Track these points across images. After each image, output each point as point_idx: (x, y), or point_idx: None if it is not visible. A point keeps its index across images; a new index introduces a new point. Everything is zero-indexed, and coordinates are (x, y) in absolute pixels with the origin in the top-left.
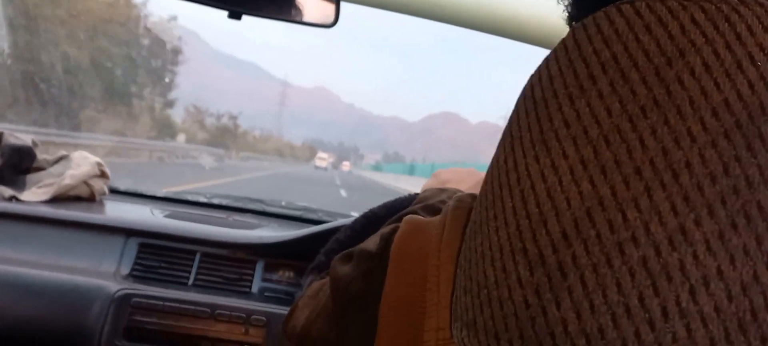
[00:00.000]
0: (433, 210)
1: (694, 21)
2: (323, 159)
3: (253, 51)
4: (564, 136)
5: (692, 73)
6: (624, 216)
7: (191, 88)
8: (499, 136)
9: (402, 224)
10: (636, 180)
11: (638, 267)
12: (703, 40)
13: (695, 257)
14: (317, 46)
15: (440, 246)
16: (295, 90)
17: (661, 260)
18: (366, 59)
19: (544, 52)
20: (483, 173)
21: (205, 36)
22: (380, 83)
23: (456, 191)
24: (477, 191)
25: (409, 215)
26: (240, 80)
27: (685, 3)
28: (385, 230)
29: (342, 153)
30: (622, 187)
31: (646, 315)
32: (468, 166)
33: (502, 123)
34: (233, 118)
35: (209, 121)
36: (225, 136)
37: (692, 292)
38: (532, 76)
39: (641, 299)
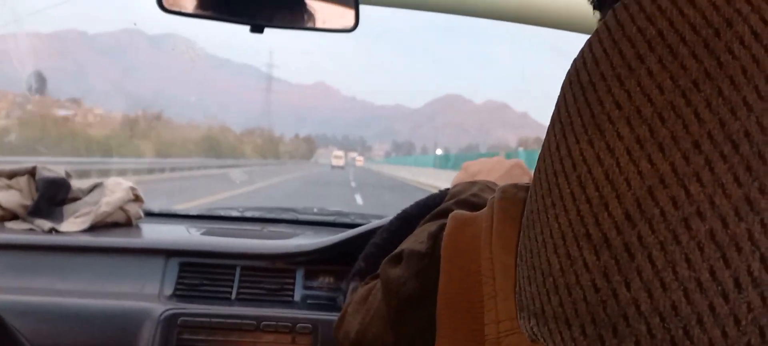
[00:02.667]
0: (467, 204)
1: None
2: (339, 157)
3: (250, 54)
4: (617, 118)
5: (741, 42)
6: (687, 191)
7: (187, 95)
8: (506, 114)
9: (449, 221)
10: (696, 154)
11: (706, 241)
12: (749, 7)
13: (763, 225)
14: (315, 44)
15: (491, 238)
16: (295, 88)
17: (728, 231)
18: (363, 51)
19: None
20: (510, 161)
21: (200, 43)
22: (379, 74)
23: (486, 182)
24: (507, 179)
25: (454, 211)
26: (237, 84)
27: None
28: (431, 228)
29: (346, 146)
30: (682, 162)
31: (719, 288)
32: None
33: (508, 100)
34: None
35: None
36: None
37: (763, 260)
38: (576, 60)
39: (712, 273)
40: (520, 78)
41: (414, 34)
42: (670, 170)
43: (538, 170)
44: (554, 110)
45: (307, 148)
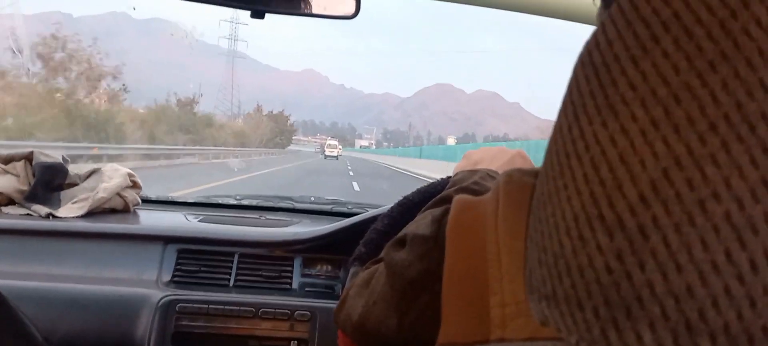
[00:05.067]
0: (468, 192)
1: None
2: (333, 147)
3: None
4: (631, 99)
5: (758, 23)
6: (703, 173)
7: (171, 79)
8: (497, 104)
9: (453, 204)
10: (712, 136)
11: (722, 223)
12: None
13: None
14: (304, 31)
15: (496, 222)
16: (283, 75)
17: (745, 213)
18: (353, 39)
19: (529, 17)
20: (513, 151)
21: (186, 27)
22: (369, 62)
23: (488, 171)
24: (509, 168)
25: (459, 196)
26: (225, 69)
27: None
28: (435, 212)
29: (335, 133)
30: (698, 144)
31: (735, 270)
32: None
33: (499, 90)
34: None
35: None
36: None
37: None
38: (588, 42)
39: (728, 254)
40: (512, 68)
41: (404, 22)
42: (686, 152)
43: (549, 152)
44: (566, 92)
45: (275, 129)
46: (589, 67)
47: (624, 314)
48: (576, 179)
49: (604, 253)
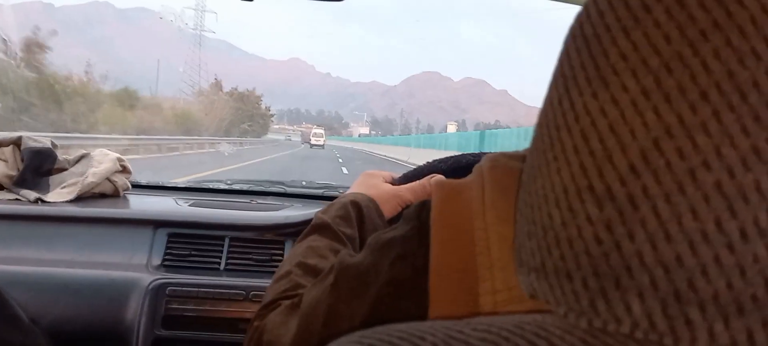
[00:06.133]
0: (327, 225)
1: None
2: (319, 136)
3: (224, 29)
4: (622, 69)
5: None
6: (693, 142)
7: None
8: (485, 91)
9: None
10: (703, 105)
11: (713, 192)
12: None
13: None
14: (290, 19)
15: (484, 208)
16: (269, 63)
17: (735, 182)
18: (339, 27)
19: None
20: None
21: (172, 14)
22: (355, 49)
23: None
24: (359, 186)
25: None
26: (209, 58)
27: None
28: (409, 211)
29: (322, 122)
30: (689, 113)
31: (725, 239)
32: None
33: (486, 77)
34: None
35: None
36: None
37: None
38: (579, 14)
39: (718, 223)
40: (499, 55)
41: (390, 10)
42: (677, 121)
43: (539, 126)
44: (556, 65)
45: (242, 113)
46: (580, 39)
47: (613, 285)
48: (566, 150)
49: (593, 223)
